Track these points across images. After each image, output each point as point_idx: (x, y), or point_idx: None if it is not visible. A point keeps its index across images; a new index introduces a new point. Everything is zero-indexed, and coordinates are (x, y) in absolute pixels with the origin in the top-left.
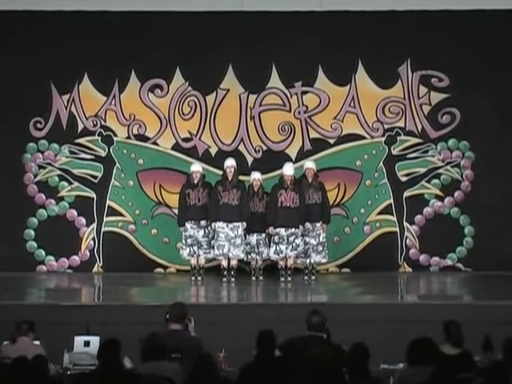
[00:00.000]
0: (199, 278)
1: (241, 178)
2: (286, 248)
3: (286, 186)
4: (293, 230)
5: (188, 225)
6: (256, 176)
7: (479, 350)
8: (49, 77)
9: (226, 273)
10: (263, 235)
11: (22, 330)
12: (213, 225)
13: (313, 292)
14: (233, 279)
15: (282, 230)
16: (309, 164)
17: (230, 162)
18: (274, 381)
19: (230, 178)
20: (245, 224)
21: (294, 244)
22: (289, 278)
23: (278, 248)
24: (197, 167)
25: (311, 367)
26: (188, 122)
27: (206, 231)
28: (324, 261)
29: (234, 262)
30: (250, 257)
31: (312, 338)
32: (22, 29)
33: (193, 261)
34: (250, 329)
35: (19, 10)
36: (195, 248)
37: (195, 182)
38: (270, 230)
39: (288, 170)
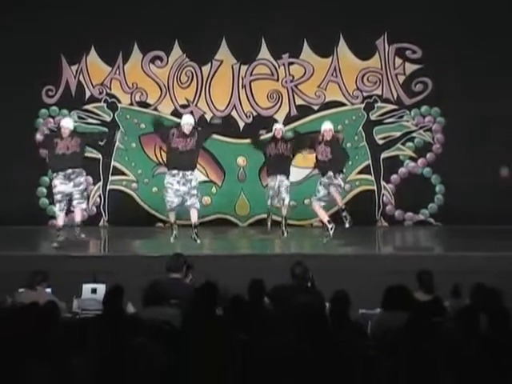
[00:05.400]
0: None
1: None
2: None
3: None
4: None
5: (172, 178)
6: (278, 126)
7: (449, 296)
8: (59, 49)
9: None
10: (285, 180)
11: (36, 279)
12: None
13: (297, 244)
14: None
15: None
16: (327, 125)
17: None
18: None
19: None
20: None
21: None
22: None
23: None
24: (189, 119)
25: (298, 313)
26: (185, 90)
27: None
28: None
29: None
30: (273, 202)
31: (297, 286)
32: (35, 5)
33: (172, 216)
34: (242, 279)
35: None
36: (186, 197)
37: (186, 132)
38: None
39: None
